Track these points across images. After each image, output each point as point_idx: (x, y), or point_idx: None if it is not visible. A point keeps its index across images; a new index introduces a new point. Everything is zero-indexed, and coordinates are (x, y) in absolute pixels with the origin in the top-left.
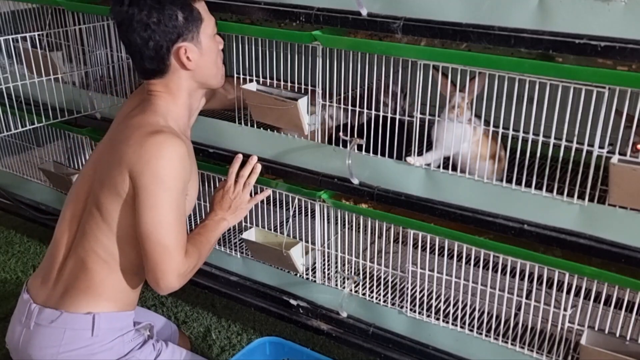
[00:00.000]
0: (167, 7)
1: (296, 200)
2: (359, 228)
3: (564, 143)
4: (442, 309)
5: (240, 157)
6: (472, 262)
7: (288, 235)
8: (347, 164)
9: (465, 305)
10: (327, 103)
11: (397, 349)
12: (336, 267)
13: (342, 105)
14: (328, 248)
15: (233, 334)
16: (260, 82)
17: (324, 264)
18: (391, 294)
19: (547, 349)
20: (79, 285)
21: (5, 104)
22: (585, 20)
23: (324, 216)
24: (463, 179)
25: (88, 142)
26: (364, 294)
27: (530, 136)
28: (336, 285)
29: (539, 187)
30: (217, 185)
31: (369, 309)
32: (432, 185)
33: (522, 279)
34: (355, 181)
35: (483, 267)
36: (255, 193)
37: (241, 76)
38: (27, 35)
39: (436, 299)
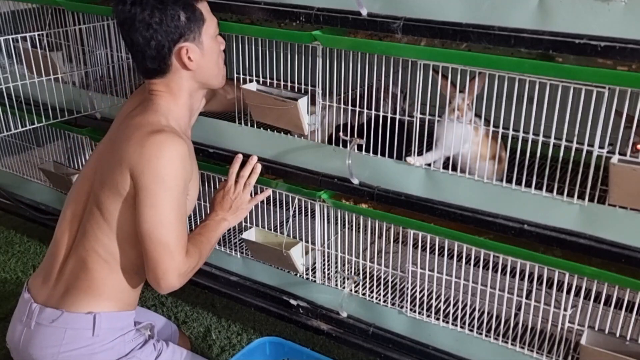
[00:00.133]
0: (170, 7)
1: (296, 200)
2: (359, 228)
3: (564, 143)
4: (442, 309)
5: (240, 157)
6: (472, 262)
7: (288, 235)
8: (347, 164)
9: (465, 305)
10: (327, 103)
11: (397, 349)
12: (336, 267)
13: (342, 105)
14: (328, 248)
15: (233, 334)
16: (260, 82)
17: (324, 264)
18: (391, 294)
19: (547, 349)
20: (79, 285)
21: (5, 104)
22: (585, 20)
23: (324, 216)
24: (463, 179)
25: (88, 142)
26: (364, 294)
27: (530, 136)
28: (336, 285)
29: (539, 187)
30: (218, 185)
31: (369, 309)
32: (432, 185)
33: (522, 279)
34: (355, 181)
35: (483, 267)
36: (256, 193)
37: (241, 76)
38: (27, 35)
39: (436, 299)
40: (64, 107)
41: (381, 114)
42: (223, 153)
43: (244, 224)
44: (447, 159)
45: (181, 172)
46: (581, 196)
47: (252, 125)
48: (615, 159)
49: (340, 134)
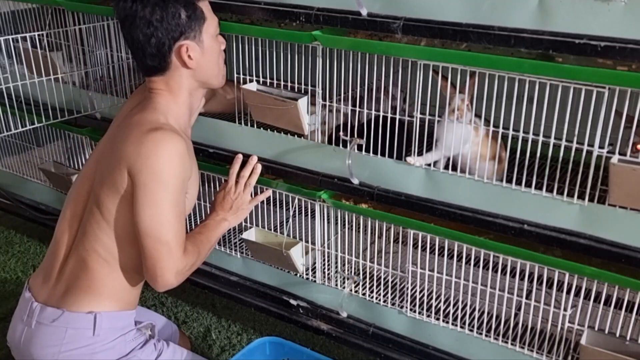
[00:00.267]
0: (171, 5)
1: (296, 200)
2: (359, 228)
3: (564, 143)
4: (442, 309)
5: (240, 157)
6: (472, 262)
7: (288, 235)
8: (347, 164)
9: (465, 305)
10: (327, 103)
11: (397, 349)
12: (336, 267)
13: (342, 105)
14: (328, 248)
15: (233, 334)
16: (260, 82)
17: (324, 264)
18: (391, 294)
19: (547, 349)
20: (80, 285)
21: (5, 104)
22: (585, 20)
23: (324, 216)
24: (463, 179)
25: (88, 142)
26: (364, 294)
27: (530, 136)
28: (336, 285)
29: (539, 187)
30: (218, 185)
31: (369, 309)
32: (432, 185)
33: (522, 279)
34: (355, 181)
35: (483, 267)
36: (256, 193)
37: (241, 76)
38: (27, 35)
39: (436, 299)
40: (64, 107)
41: (381, 114)
42: (223, 153)
43: (244, 224)
44: (448, 159)
45: (179, 170)
46: (581, 196)
47: (252, 125)
48: (615, 159)
49: (340, 133)
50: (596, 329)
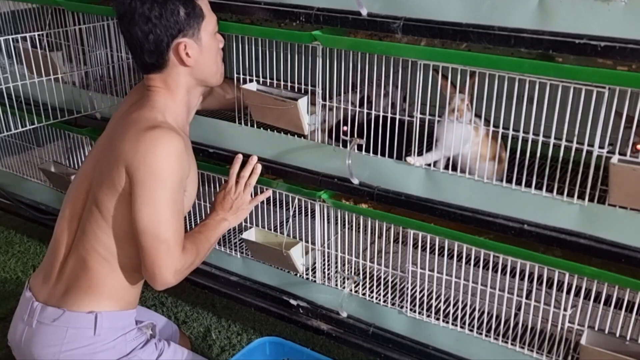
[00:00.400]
0: (170, 2)
1: (296, 200)
2: (359, 228)
3: (564, 143)
4: (442, 309)
5: (240, 157)
6: (472, 262)
7: (288, 235)
8: (347, 164)
9: (465, 305)
10: (327, 103)
11: (397, 349)
12: (336, 267)
13: (342, 105)
14: (328, 248)
15: (233, 334)
16: (260, 82)
17: (324, 264)
18: (391, 294)
19: (547, 349)
20: (80, 284)
21: (5, 104)
22: (585, 20)
23: (324, 216)
24: (463, 179)
25: (88, 142)
26: (364, 294)
27: (530, 136)
28: (336, 285)
29: (539, 187)
30: (218, 185)
31: (369, 309)
32: (432, 185)
33: (522, 279)
34: (355, 181)
35: (483, 267)
36: (256, 193)
37: (241, 76)
38: (27, 35)
39: (436, 299)
40: (64, 107)
41: (381, 114)
42: (223, 153)
43: (244, 224)
44: (448, 159)
45: (177, 168)
46: (581, 196)
47: (252, 125)
48: (615, 159)
49: (342, 127)
50: (596, 329)
